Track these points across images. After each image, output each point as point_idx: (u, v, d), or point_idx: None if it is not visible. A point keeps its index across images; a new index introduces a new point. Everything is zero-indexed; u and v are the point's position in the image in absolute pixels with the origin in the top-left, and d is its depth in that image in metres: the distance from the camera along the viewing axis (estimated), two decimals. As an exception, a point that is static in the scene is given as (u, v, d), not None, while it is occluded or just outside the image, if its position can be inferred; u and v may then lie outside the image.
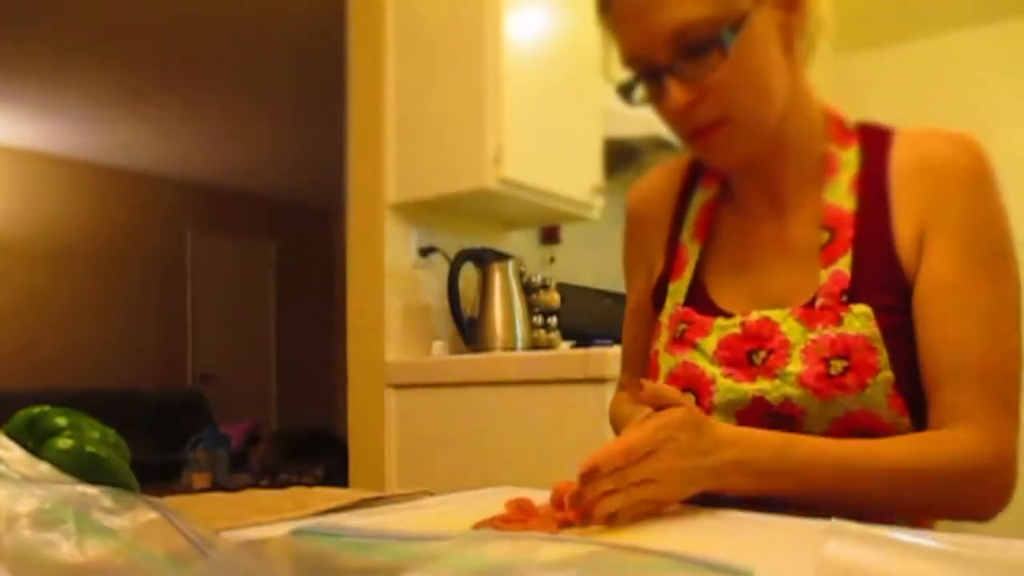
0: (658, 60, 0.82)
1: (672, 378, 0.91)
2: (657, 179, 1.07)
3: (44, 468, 0.60)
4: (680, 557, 0.40)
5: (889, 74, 4.19)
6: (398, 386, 2.32)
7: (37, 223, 6.19)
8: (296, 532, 0.47)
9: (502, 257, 2.40)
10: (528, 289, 2.47)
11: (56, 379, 5.96)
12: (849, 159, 0.90)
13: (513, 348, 2.32)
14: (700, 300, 0.94)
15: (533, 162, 2.31)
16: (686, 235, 0.99)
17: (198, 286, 7.12)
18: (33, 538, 0.42)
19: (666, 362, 0.92)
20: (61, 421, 0.73)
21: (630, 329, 1.09)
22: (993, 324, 0.81)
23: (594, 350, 1.94)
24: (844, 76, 4.21)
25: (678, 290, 0.96)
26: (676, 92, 0.82)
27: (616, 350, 1.93)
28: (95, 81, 4.96)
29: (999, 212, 0.85)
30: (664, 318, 0.96)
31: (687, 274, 0.96)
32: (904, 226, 0.85)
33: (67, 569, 0.41)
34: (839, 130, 0.93)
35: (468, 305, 2.40)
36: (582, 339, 2.38)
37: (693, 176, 1.03)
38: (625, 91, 0.87)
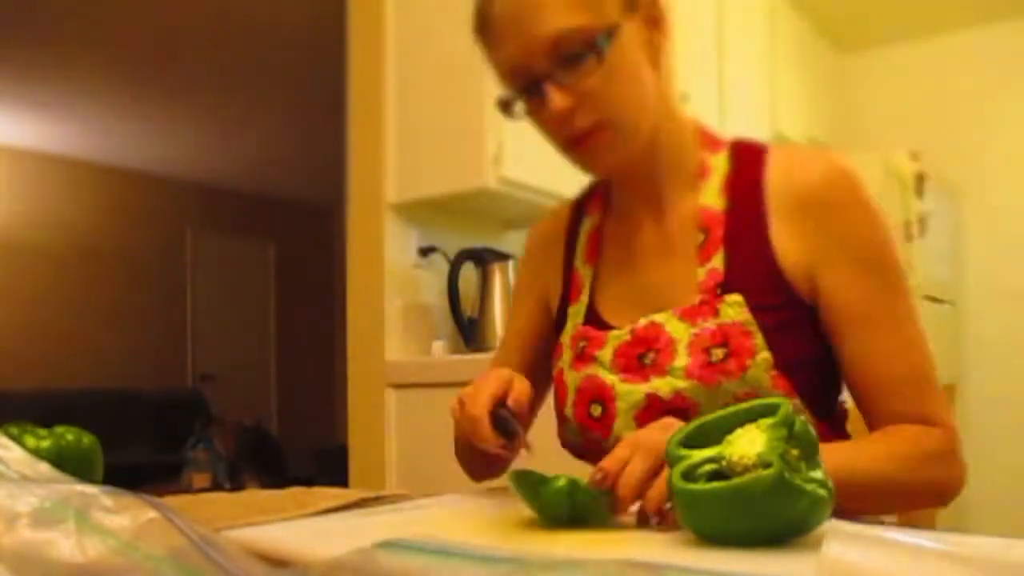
0: (536, 70, 0.87)
1: (579, 392, 0.96)
2: (550, 219, 1.15)
3: (44, 468, 0.60)
4: None
5: (889, 74, 4.19)
6: (398, 386, 2.32)
7: (37, 223, 6.19)
8: (383, 545, 0.48)
9: (502, 257, 2.40)
10: (528, 289, 2.47)
11: (56, 379, 5.96)
12: (719, 163, 0.96)
13: (513, 348, 2.31)
14: (595, 319, 1.00)
15: (533, 162, 2.31)
16: (578, 261, 1.06)
17: (198, 286, 7.12)
18: (33, 538, 0.42)
19: (572, 378, 0.98)
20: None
21: (502, 350, 1.15)
22: (906, 332, 0.89)
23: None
24: (844, 76, 4.22)
25: (577, 312, 1.02)
26: (556, 98, 0.87)
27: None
28: (96, 81, 4.96)
29: (880, 225, 0.91)
30: (565, 338, 1.02)
31: (584, 297, 1.03)
32: (785, 241, 0.90)
33: (67, 569, 0.41)
34: (709, 139, 0.99)
35: (468, 305, 2.40)
36: None
37: (580, 209, 1.11)
38: (505, 105, 0.93)
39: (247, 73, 4.91)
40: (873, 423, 0.89)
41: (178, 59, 4.70)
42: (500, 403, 0.82)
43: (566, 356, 1.00)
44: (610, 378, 0.93)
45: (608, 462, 0.69)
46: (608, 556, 0.56)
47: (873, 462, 0.81)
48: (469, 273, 2.40)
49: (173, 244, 6.99)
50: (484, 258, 2.39)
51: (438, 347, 2.38)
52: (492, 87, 2.31)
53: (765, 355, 0.86)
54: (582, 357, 0.97)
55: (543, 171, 2.35)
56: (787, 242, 0.90)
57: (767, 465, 0.57)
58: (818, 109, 3.85)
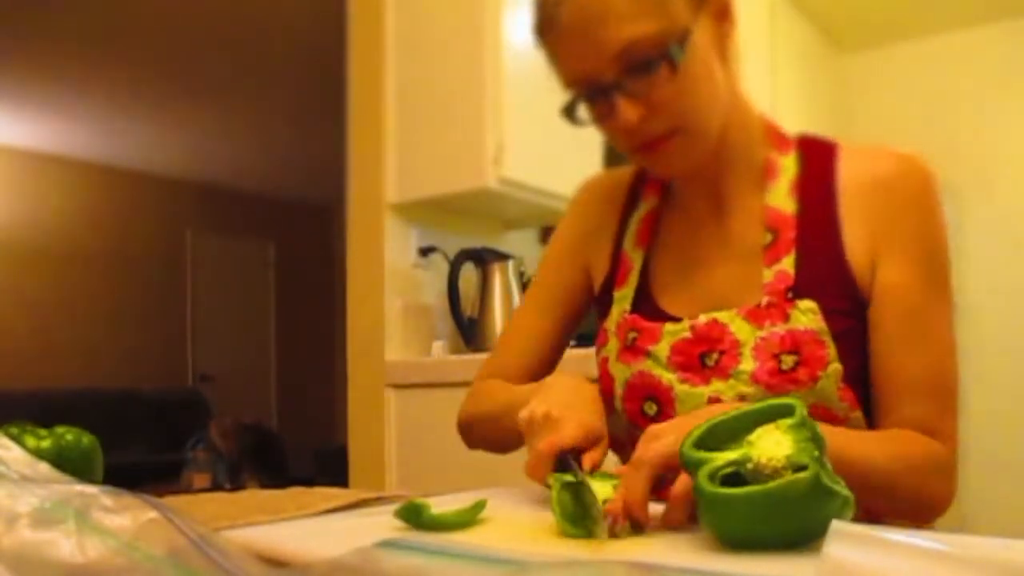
0: (605, 78, 0.83)
1: (629, 388, 0.92)
2: (606, 184, 1.09)
3: (44, 468, 0.60)
4: None
5: (889, 74, 4.19)
6: (398, 386, 2.32)
7: (37, 223, 6.19)
8: (383, 544, 0.47)
9: (502, 257, 2.40)
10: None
11: (56, 379, 5.96)
12: (788, 164, 0.93)
13: (513, 348, 2.31)
14: (646, 306, 0.95)
15: (533, 162, 2.31)
16: (628, 244, 1.01)
17: (198, 286, 7.12)
18: (33, 538, 0.42)
19: (620, 372, 0.93)
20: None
21: (531, 319, 1.08)
22: (943, 343, 0.87)
23: (594, 350, 1.94)
24: (844, 76, 4.22)
25: (624, 297, 0.97)
26: (627, 110, 0.83)
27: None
28: (95, 81, 4.96)
29: (944, 230, 0.89)
30: (611, 325, 0.97)
31: (632, 280, 0.98)
32: (855, 239, 0.88)
33: (67, 569, 0.41)
34: (777, 137, 0.95)
35: (468, 305, 2.40)
36: (582, 339, 2.38)
37: (635, 188, 1.05)
38: (568, 111, 0.89)
39: (247, 73, 4.91)
40: (882, 420, 0.86)
41: (178, 59, 4.70)
42: (573, 452, 0.74)
43: (612, 345, 0.95)
44: (667, 376, 0.89)
45: (613, 505, 0.65)
46: (608, 556, 0.56)
47: (879, 456, 0.78)
48: (469, 273, 2.40)
49: (173, 244, 6.99)
50: (484, 258, 2.39)
51: (438, 347, 2.38)
52: (492, 87, 2.32)
53: (836, 366, 0.83)
54: (632, 349, 0.92)
55: (543, 171, 2.36)
56: (857, 236, 0.87)
57: (798, 467, 0.57)
58: (818, 109, 3.85)
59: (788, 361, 0.83)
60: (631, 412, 0.92)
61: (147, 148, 6.23)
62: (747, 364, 0.84)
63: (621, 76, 0.82)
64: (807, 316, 0.84)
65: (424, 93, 2.35)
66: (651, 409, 0.90)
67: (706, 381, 0.87)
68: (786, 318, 0.84)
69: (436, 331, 2.44)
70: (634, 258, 0.99)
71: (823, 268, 0.87)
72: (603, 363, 0.96)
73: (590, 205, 1.09)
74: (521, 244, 2.82)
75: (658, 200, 1.01)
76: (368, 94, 2.43)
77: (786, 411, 0.62)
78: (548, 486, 0.71)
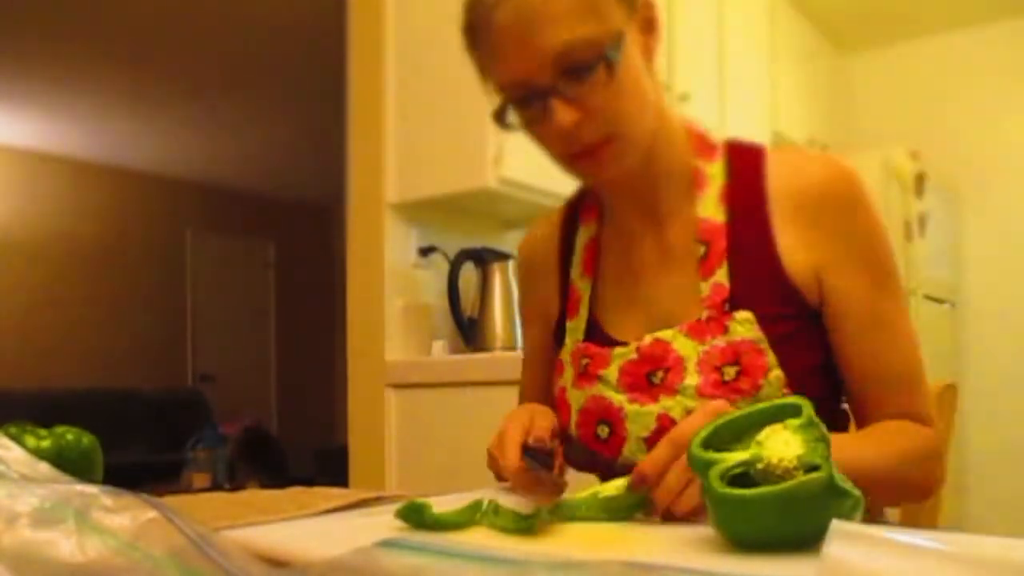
0: (540, 82, 0.82)
1: (584, 413, 0.93)
2: (540, 229, 1.11)
3: (44, 468, 0.60)
4: None
5: (889, 74, 4.19)
6: (398, 386, 2.32)
7: (37, 223, 6.19)
8: (383, 544, 0.47)
9: (502, 257, 2.40)
10: (528, 289, 2.47)
11: (56, 379, 5.96)
12: (715, 172, 0.93)
13: (513, 348, 2.32)
14: (596, 334, 0.97)
15: (533, 162, 2.29)
16: (575, 274, 1.02)
17: (198, 286, 7.12)
18: (33, 537, 0.42)
19: (575, 398, 0.95)
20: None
21: (526, 374, 1.14)
22: (904, 333, 0.90)
23: (594, 350, 1.94)
24: (844, 76, 4.22)
25: (576, 328, 0.99)
26: (563, 113, 0.82)
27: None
28: (95, 81, 4.96)
29: (880, 226, 0.91)
30: (566, 356, 0.99)
31: (583, 311, 0.99)
32: (790, 245, 0.89)
33: (67, 568, 0.41)
34: (702, 144, 0.95)
35: (468, 305, 2.40)
36: None
37: (572, 218, 1.06)
38: (499, 116, 0.88)
39: (247, 73, 4.91)
40: (865, 418, 0.90)
41: (178, 59, 4.70)
42: (526, 446, 0.83)
43: (567, 374, 0.97)
44: (617, 398, 0.90)
45: (647, 466, 0.69)
46: (608, 556, 0.56)
47: (862, 452, 0.81)
48: (469, 273, 2.40)
49: (173, 244, 6.99)
50: (484, 258, 2.39)
51: (438, 347, 2.38)
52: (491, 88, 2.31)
53: (778, 372, 0.84)
54: (585, 375, 0.94)
55: (543, 171, 2.34)
56: (794, 246, 0.88)
57: (809, 467, 0.57)
58: (818, 109, 3.85)
59: (730, 372, 0.85)
60: (585, 436, 0.93)
61: (147, 148, 6.23)
62: (691, 379, 0.86)
63: (557, 79, 0.81)
64: (744, 326, 0.85)
65: (424, 93, 2.35)
66: (603, 432, 0.92)
67: (654, 399, 0.88)
68: (725, 330, 0.86)
69: (436, 331, 2.44)
70: (582, 287, 1.01)
71: (757, 276, 0.88)
72: (560, 393, 0.98)
73: (527, 265, 1.12)
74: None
75: (596, 224, 1.02)
76: (368, 94, 2.43)
77: (793, 411, 0.62)
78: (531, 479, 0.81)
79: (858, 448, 0.82)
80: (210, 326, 7.15)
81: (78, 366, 6.23)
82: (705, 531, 0.62)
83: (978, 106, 3.99)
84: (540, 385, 1.09)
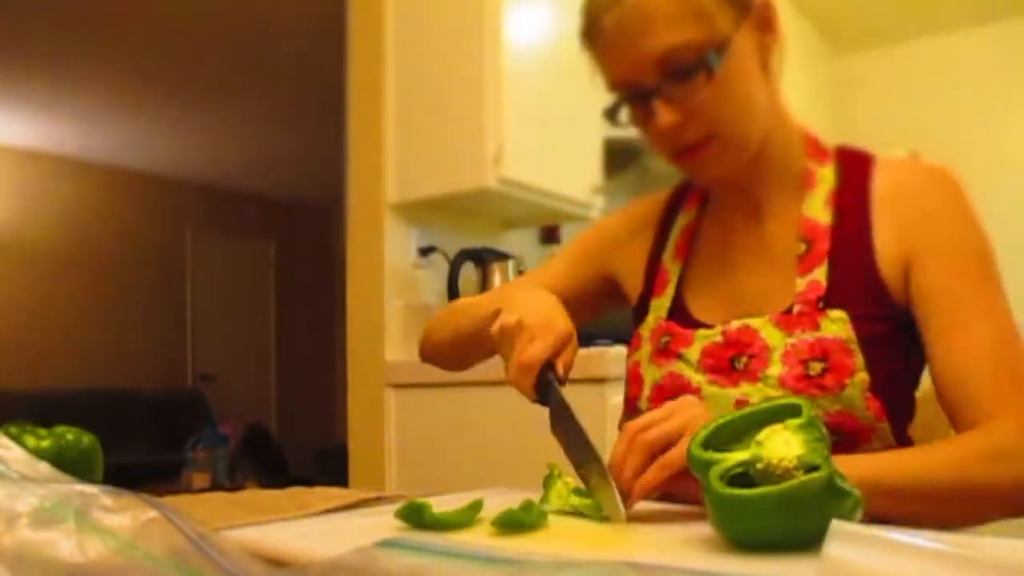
0: (645, 83, 0.86)
1: (658, 389, 0.93)
2: (647, 204, 1.12)
3: (44, 468, 0.60)
4: None
5: (889, 74, 4.19)
6: (398, 386, 2.32)
7: (37, 223, 6.19)
8: (383, 544, 0.47)
9: (502, 257, 2.40)
10: (528, 289, 2.47)
11: (56, 379, 5.96)
12: (825, 175, 0.95)
13: (513, 348, 2.31)
14: (681, 314, 0.98)
15: (533, 162, 2.31)
16: (667, 256, 1.04)
17: (198, 286, 7.12)
18: (33, 537, 0.42)
19: (651, 373, 0.95)
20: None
21: (537, 276, 1.13)
22: (998, 323, 0.85)
23: (593, 350, 1.94)
24: (844, 76, 4.22)
25: (660, 306, 1.00)
26: (664, 114, 0.85)
27: (616, 350, 1.93)
28: (96, 81, 4.96)
29: (978, 226, 0.90)
30: (646, 331, 1.00)
31: (669, 290, 1.01)
32: (885, 247, 0.89)
33: (67, 568, 0.41)
34: (816, 148, 0.97)
35: (468, 305, 2.39)
36: (581, 339, 2.38)
37: (675, 203, 1.08)
38: (611, 113, 0.91)
39: (247, 73, 4.91)
40: (953, 418, 0.84)
41: (178, 59, 4.69)
42: (550, 364, 0.82)
43: (645, 349, 0.98)
44: (696, 378, 0.91)
45: (612, 461, 0.73)
46: (608, 556, 0.56)
47: (924, 464, 0.77)
48: (469, 273, 2.40)
49: (173, 244, 6.99)
50: (484, 258, 2.39)
51: (438, 347, 2.38)
52: (492, 87, 2.32)
53: (863, 375, 0.83)
54: (665, 352, 0.94)
55: (543, 171, 2.36)
56: (887, 242, 0.89)
57: (810, 467, 0.57)
58: (818, 109, 3.85)
59: (816, 367, 0.85)
60: None
61: (147, 148, 6.23)
62: (775, 368, 0.86)
63: (660, 82, 0.85)
64: (837, 325, 0.85)
65: (424, 93, 2.35)
66: None
67: (734, 383, 0.88)
68: (816, 326, 0.86)
69: (436, 331, 2.43)
70: (672, 270, 1.02)
71: (854, 278, 0.88)
72: (634, 367, 0.99)
73: (623, 220, 1.12)
74: (521, 244, 2.82)
75: (697, 212, 1.04)
76: (368, 94, 2.43)
77: (792, 411, 0.62)
78: (534, 399, 0.82)
79: (906, 458, 0.78)
80: (210, 326, 7.15)
81: (78, 366, 6.23)
82: (705, 531, 0.62)
83: (978, 106, 3.98)
84: (548, 285, 1.07)
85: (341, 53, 2.56)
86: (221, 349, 7.19)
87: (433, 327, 1.15)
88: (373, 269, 2.36)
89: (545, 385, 0.82)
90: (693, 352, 0.92)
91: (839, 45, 4.16)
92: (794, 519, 0.55)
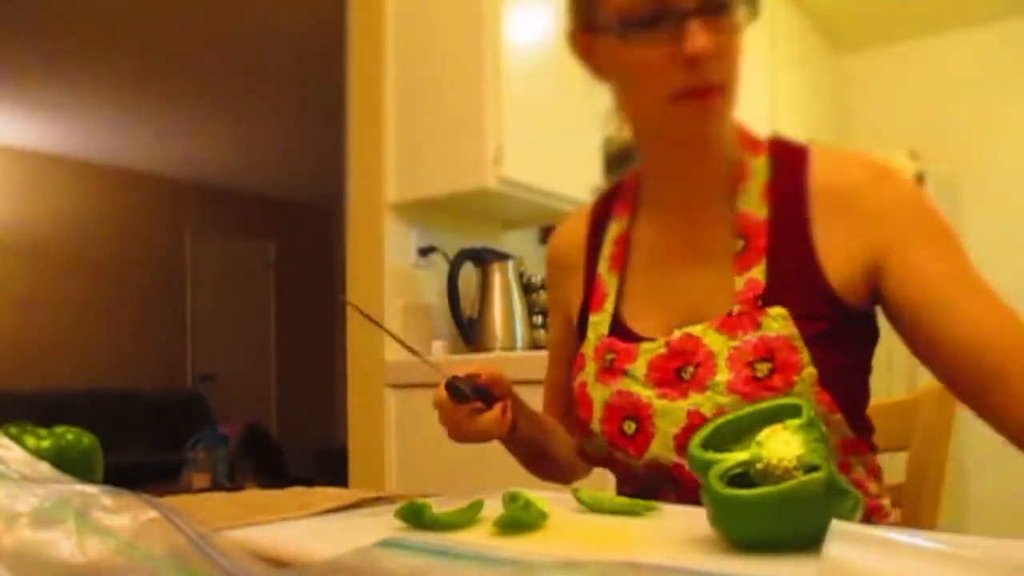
0: (683, 4, 0.82)
1: (609, 408, 0.91)
2: (569, 225, 1.11)
3: (44, 468, 0.60)
4: None
5: (889, 74, 4.19)
6: (398, 386, 2.32)
7: (37, 223, 6.19)
8: (383, 544, 0.47)
9: (502, 257, 2.40)
10: (528, 289, 2.47)
11: (56, 379, 5.96)
12: (759, 167, 0.92)
13: (513, 348, 2.32)
14: (620, 330, 0.96)
15: (533, 162, 2.31)
16: (603, 267, 1.01)
17: (198, 286, 7.12)
18: (33, 537, 0.42)
19: (599, 393, 0.93)
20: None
21: (550, 372, 1.16)
22: (987, 295, 0.84)
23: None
24: (844, 76, 4.22)
25: (600, 321, 0.98)
26: (700, 36, 0.81)
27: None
28: (95, 81, 4.96)
29: (929, 201, 0.89)
30: (588, 350, 0.97)
31: (608, 305, 0.98)
32: (829, 243, 0.87)
33: (67, 569, 0.41)
34: (748, 139, 0.95)
35: (468, 305, 2.40)
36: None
37: (603, 213, 1.06)
38: (621, 33, 0.85)
39: (247, 73, 4.91)
40: (981, 394, 0.82)
41: (178, 59, 4.70)
42: (453, 377, 0.93)
43: (589, 368, 0.95)
44: (646, 393, 0.89)
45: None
46: (608, 556, 0.56)
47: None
48: (469, 273, 2.40)
49: (173, 244, 6.99)
50: (484, 258, 2.39)
51: (438, 347, 2.38)
52: (492, 87, 2.31)
53: (811, 370, 0.82)
54: (610, 370, 0.92)
55: (543, 171, 2.36)
56: (835, 246, 0.87)
57: (809, 467, 0.57)
58: (817, 109, 3.85)
59: (763, 369, 0.83)
60: (610, 433, 0.91)
61: (147, 148, 6.23)
62: (722, 375, 0.84)
63: (701, 5, 0.82)
64: (778, 322, 0.84)
65: (424, 93, 2.35)
66: (630, 428, 0.89)
67: (684, 395, 0.86)
68: (757, 326, 0.84)
69: (436, 331, 2.44)
70: (608, 282, 1.00)
71: (793, 273, 0.87)
72: (580, 388, 0.96)
73: (555, 260, 1.12)
74: (521, 244, 2.82)
75: (629, 219, 1.01)
76: (368, 94, 2.43)
77: (792, 411, 0.61)
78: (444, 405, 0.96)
79: None
80: (210, 326, 7.15)
81: (78, 366, 6.23)
82: (705, 531, 0.62)
83: (978, 106, 3.98)
84: (562, 384, 1.08)
85: (341, 53, 2.56)
86: (221, 349, 7.19)
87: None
88: (373, 269, 2.36)
89: (456, 390, 0.94)
90: (639, 367, 0.90)
91: (839, 45, 4.16)
92: (794, 519, 0.55)
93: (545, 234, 2.99)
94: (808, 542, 0.54)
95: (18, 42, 4.40)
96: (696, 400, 0.85)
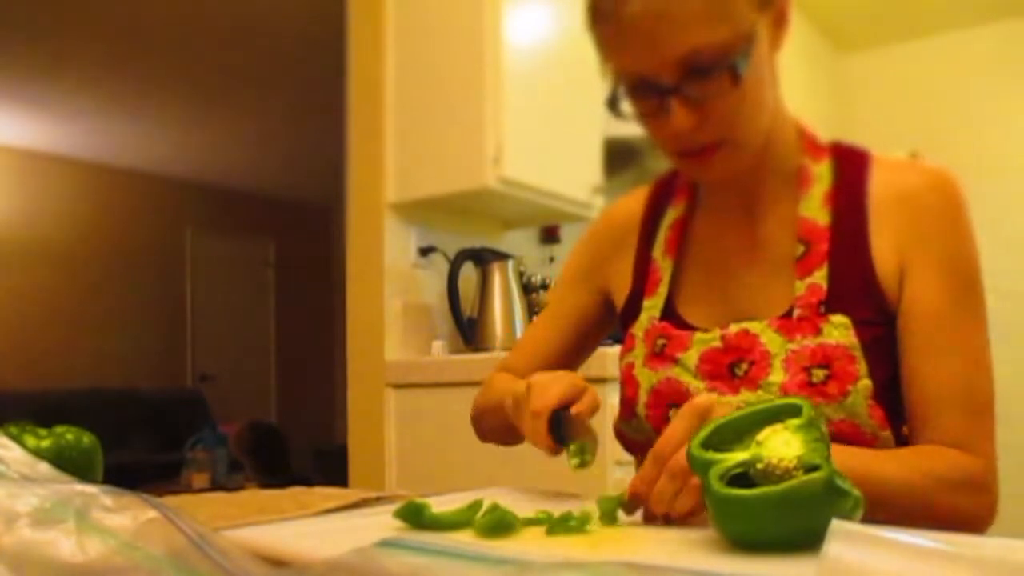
0: (664, 80, 0.80)
1: (655, 394, 0.91)
2: (627, 202, 1.08)
3: (44, 468, 0.60)
4: None
5: (889, 74, 4.19)
6: (398, 386, 2.32)
7: (37, 223, 6.19)
8: (383, 544, 0.47)
9: (502, 257, 2.40)
10: (528, 289, 2.47)
11: (56, 379, 5.96)
12: (822, 173, 0.92)
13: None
14: (672, 316, 0.95)
15: (533, 162, 2.31)
16: (657, 252, 1.00)
17: (198, 286, 7.12)
18: (33, 537, 0.42)
19: (646, 377, 0.92)
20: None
21: (543, 330, 1.11)
22: (974, 354, 0.86)
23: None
24: (844, 76, 4.22)
25: (654, 305, 0.97)
26: (681, 116, 0.80)
27: (616, 350, 1.93)
28: (95, 81, 4.96)
29: (973, 245, 0.88)
30: (639, 332, 0.96)
31: (662, 289, 0.97)
32: (883, 249, 0.87)
33: (67, 569, 0.41)
34: (811, 144, 0.94)
35: (468, 305, 2.40)
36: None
37: (662, 196, 1.04)
38: (613, 103, 0.86)
39: (247, 73, 4.91)
40: (916, 436, 0.85)
41: (178, 59, 4.69)
42: (564, 406, 0.80)
43: (639, 351, 0.94)
44: (695, 384, 0.88)
45: (638, 483, 0.69)
46: (608, 556, 0.56)
47: (882, 465, 0.77)
48: (469, 273, 2.40)
49: (173, 244, 6.99)
50: (484, 258, 2.39)
51: (438, 347, 2.38)
52: (492, 87, 2.31)
53: (866, 382, 0.82)
54: (660, 356, 0.92)
55: (543, 171, 2.36)
56: (884, 248, 0.87)
57: (809, 467, 0.57)
58: (818, 109, 3.85)
59: (819, 375, 0.82)
60: (655, 418, 0.91)
61: (147, 148, 6.23)
62: (777, 375, 0.84)
63: (681, 81, 0.79)
64: (839, 331, 0.83)
65: (424, 93, 2.35)
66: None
67: (735, 390, 0.86)
68: (818, 331, 0.84)
69: (436, 331, 2.44)
70: (663, 267, 0.98)
71: (854, 281, 0.86)
72: (627, 368, 0.96)
73: (606, 230, 1.09)
74: (521, 244, 2.82)
75: (686, 205, 1.00)
76: (368, 94, 2.43)
77: (792, 411, 0.61)
78: (551, 446, 0.79)
79: (877, 461, 0.77)
80: (210, 326, 7.15)
81: (78, 366, 6.23)
82: (705, 531, 0.62)
83: (978, 106, 3.98)
84: (558, 346, 1.07)
85: (341, 53, 2.56)
86: (221, 349, 7.19)
87: (478, 396, 1.15)
88: (373, 269, 2.36)
89: (559, 424, 0.79)
90: (691, 357, 0.89)
91: (840, 45, 4.16)
92: (794, 519, 0.55)
93: (545, 234, 2.99)
94: (808, 542, 0.54)
95: (19, 42, 4.40)
96: (747, 397, 0.85)
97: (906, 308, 0.85)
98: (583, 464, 0.77)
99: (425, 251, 2.42)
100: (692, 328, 0.92)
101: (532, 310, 2.46)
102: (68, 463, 0.71)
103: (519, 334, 2.34)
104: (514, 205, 2.45)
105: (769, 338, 0.86)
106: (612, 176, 2.68)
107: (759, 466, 0.58)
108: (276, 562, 0.57)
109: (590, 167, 2.58)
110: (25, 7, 4.00)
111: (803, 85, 3.74)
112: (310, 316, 7.71)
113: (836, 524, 0.44)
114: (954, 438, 0.83)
